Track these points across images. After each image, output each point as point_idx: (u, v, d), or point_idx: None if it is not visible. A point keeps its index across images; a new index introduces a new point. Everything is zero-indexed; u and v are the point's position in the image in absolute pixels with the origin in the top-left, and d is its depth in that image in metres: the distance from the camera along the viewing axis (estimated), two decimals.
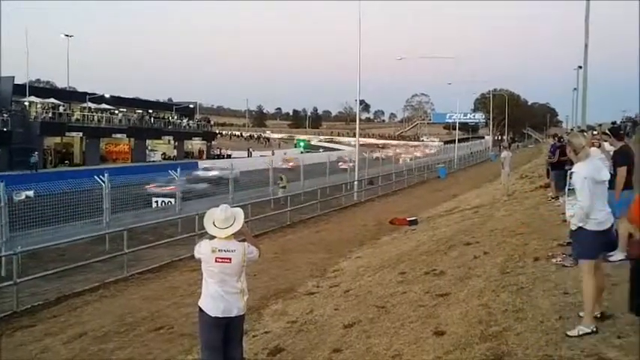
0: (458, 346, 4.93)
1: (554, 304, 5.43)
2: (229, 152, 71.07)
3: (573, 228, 4.71)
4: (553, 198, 13.40)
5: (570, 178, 4.71)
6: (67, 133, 50.37)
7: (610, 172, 5.59)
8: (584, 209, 4.54)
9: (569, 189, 4.73)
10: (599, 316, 4.72)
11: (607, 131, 8.25)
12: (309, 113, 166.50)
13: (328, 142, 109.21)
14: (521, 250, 8.18)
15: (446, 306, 6.21)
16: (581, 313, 4.74)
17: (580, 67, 34.38)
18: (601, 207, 4.65)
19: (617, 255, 6.35)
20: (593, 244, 4.62)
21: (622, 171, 6.70)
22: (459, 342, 5.01)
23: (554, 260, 7.05)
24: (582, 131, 15.91)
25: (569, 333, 4.57)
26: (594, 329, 4.50)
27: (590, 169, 4.64)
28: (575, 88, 54.68)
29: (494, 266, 7.54)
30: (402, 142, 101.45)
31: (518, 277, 6.63)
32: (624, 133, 7.82)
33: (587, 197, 4.53)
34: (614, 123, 17.89)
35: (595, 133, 8.82)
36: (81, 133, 51.09)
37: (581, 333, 4.50)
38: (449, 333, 5.31)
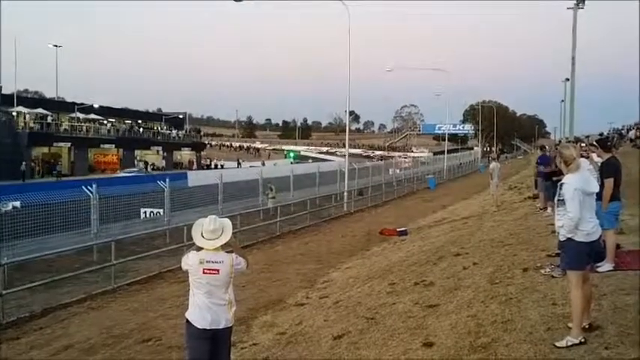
0: (447, 357, 4.93)
1: (542, 314, 5.45)
2: (222, 163, 70.86)
3: (562, 239, 4.72)
4: (541, 209, 13.48)
5: (560, 189, 4.73)
6: (55, 144, 50.16)
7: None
8: (574, 220, 4.56)
9: (558, 200, 4.75)
10: (587, 327, 4.73)
11: (595, 143, 8.34)
12: (298, 124, 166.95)
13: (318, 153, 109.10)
14: (510, 260, 8.21)
15: (435, 317, 6.21)
16: (569, 324, 4.75)
17: (567, 79, 34.89)
18: (589, 218, 4.68)
19: (605, 266, 6.41)
20: (581, 255, 4.64)
21: (609, 182, 6.75)
22: (448, 353, 5.00)
23: (542, 271, 7.08)
24: (573, 142, 16.08)
25: (557, 344, 4.58)
26: (582, 340, 4.51)
27: (581, 181, 4.67)
28: (562, 100, 55.44)
29: (483, 277, 7.56)
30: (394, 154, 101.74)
31: (507, 288, 6.65)
32: (612, 144, 7.89)
33: (577, 209, 4.55)
34: (601, 134, 18.10)
35: (583, 144, 8.91)
36: (69, 144, 50.88)
37: (569, 344, 4.51)
38: (438, 344, 5.30)
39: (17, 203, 14.51)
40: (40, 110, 51.15)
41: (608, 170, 6.91)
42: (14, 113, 48.42)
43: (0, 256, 11.19)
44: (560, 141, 32.52)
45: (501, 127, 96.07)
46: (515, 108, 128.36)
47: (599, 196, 5.59)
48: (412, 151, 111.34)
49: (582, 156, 8.19)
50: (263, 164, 63.73)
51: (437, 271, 8.87)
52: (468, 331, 5.41)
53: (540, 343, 4.74)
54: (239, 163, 70.53)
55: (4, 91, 47.69)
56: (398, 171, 42.00)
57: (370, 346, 5.76)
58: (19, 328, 9.33)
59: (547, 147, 17.72)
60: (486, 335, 5.19)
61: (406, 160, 52.55)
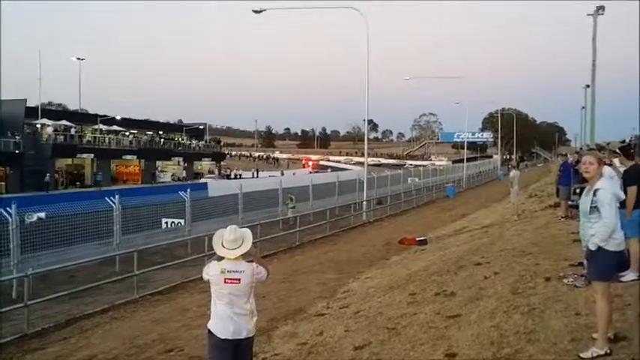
0: None
1: (566, 325, 5.38)
2: (240, 172, 71.32)
3: (593, 248, 4.54)
4: (563, 217, 13.32)
5: (594, 195, 4.56)
6: (78, 155, 50.99)
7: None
8: (610, 227, 4.43)
9: (591, 207, 4.57)
10: (612, 337, 4.66)
11: (617, 150, 8.22)
12: (317, 133, 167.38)
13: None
14: (532, 270, 8.12)
15: (457, 327, 6.16)
16: (594, 335, 4.69)
17: (588, 85, 34.56)
18: (620, 227, 4.59)
19: (629, 275, 6.30)
20: (610, 265, 4.55)
21: (633, 190, 6.65)
22: None
23: (565, 281, 6.99)
24: (594, 149, 15.87)
25: (582, 355, 4.52)
26: (608, 351, 4.44)
27: (614, 187, 4.60)
28: (583, 107, 54.76)
29: (505, 287, 7.48)
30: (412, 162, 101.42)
31: (530, 298, 6.58)
32: (635, 152, 7.77)
33: (614, 215, 4.44)
34: (623, 142, 17.83)
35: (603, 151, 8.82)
36: (92, 155, 51.66)
37: (594, 355, 4.45)
38: (460, 355, 5.26)
39: (42, 214, 14.76)
40: (63, 122, 52.08)
41: (631, 178, 6.81)
42: (38, 125, 49.36)
43: (25, 267, 11.41)
44: (581, 148, 32.12)
45: (521, 135, 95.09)
46: (534, 115, 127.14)
47: (622, 204, 5.51)
48: (431, 160, 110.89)
49: (605, 163, 8.10)
50: (282, 174, 63.93)
51: (458, 280, 8.80)
52: (490, 342, 5.36)
53: (565, 354, 4.69)
54: (255, 174, 70.63)
55: (28, 104, 48.58)
56: (417, 179, 41.80)
57: (392, 357, 5.73)
58: (43, 338, 9.48)
59: (568, 155, 17.52)
60: (509, 346, 5.14)
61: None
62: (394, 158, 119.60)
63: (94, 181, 47.56)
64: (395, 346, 6.06)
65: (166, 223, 18.62)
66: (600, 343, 4.50)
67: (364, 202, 28.75)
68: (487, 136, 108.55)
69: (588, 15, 27.61)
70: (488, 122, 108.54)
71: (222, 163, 74.23)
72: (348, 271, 13.17)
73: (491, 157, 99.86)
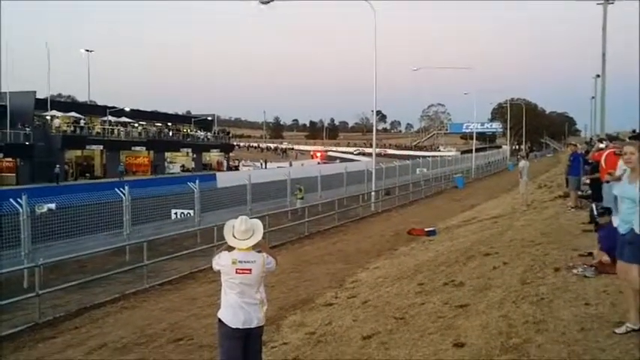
0: (478, 358, 4.89)
1: (575, 315, 5.38)
2: (249, 164, 71.44)
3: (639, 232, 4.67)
4: (572, 207, 13.25)
5: None
6: (87, 146, 51.24)
7: None
8: None
9: None
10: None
11: (627, 140, 8.17)
12: (325, 124, 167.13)
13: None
14: (541, 260, 8.10)
15: (465, 317, 6.17)
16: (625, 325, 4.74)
17: (598, 75, 34.22)
18: None
19: None
20: None
21: None
22: (479, 354, 4.97)
23: (574, 271, 6.98)
24: (605, 139, 15.75)
25: (616, 331, 4.64)
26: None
27: None
28: (593, 97, 54.26)
29: (513, 277, 7.48)
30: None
31: (539, 288, 6.57)
32: None
33: None
34: (633, 131, 17.66)
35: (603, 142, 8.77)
36: (101, 146, 51.89)
37: (628, 330, 4.57)
38: (469, 345, 5.27)
39: (52, 205, 14.85)
40: (73, 114, 52.31)
41: None
42: (48, 117, 49.62)
43: (36, 257, 11.52)
44: (591, 138, 31.86)
45: (530, 125, 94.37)
46: (544, 105, 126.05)
47: None
48: (440, 150, 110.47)
49: (616, 154, 8.04)
50: (290, 165, 63.95)
51: (466, 270, 8.80)
52: (499, 332, 5.37)
53: (574, 343, 4.68)
54: (263, 165, 70.74)
55: (38, 96, 48.78)
56: (425, 170, 41.65)
57: (400, 347, 5.75)
58: (55, 327, 9.57)
59: (578, 145, 17.38)
60: (518, 336, 5.14)
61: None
62: (403, 149, 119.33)
63: (117, 171, 48.07)
64: (403, 336, 6.07)
65: (176, 213, 18.71)
66: (633, 318, 4.59)
67: (372, 193, 28.73)
68: (496, 126, 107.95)
69: (598, 4, 27.33)
70: (497, 112, 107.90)
71: (230, 154, 74.30)
72: (357, 261, 13.20)
73: (500, 147, 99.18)
